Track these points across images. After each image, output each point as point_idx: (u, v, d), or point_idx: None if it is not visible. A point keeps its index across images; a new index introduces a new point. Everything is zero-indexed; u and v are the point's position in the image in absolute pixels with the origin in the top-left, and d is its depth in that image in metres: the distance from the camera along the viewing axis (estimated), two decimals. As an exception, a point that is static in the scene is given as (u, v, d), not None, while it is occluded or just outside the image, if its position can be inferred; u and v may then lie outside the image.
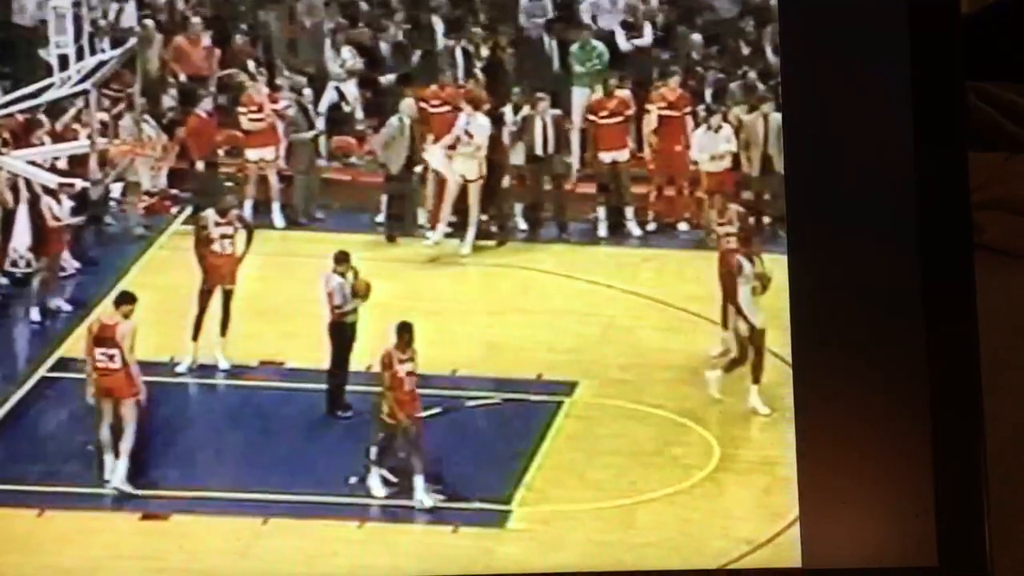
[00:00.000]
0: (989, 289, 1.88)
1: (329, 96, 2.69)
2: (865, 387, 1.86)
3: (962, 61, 1.88)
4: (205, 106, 2.63)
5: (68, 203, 2.48)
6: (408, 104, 2.61)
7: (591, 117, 2.62)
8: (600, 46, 2.64)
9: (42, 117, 2.49)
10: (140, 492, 2.21)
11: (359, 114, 2.69)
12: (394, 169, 2.62)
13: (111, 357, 2.29)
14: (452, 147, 2.59)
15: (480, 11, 2.65)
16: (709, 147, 2.55)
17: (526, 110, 2.62)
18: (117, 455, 2.25)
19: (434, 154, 2.59)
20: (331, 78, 2.70)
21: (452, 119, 2.60)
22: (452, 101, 2.61)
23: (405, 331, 2.29)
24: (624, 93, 2.61)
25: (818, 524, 1.88)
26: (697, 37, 2.66)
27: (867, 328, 1.86)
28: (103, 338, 2.31)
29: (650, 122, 2.61)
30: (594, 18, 2.61)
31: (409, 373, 2.28)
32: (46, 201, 2.46)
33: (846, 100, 1.88)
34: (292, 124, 2.65)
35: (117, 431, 2.27)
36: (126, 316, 2.33)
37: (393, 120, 2.61)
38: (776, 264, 2.21)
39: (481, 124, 2.58)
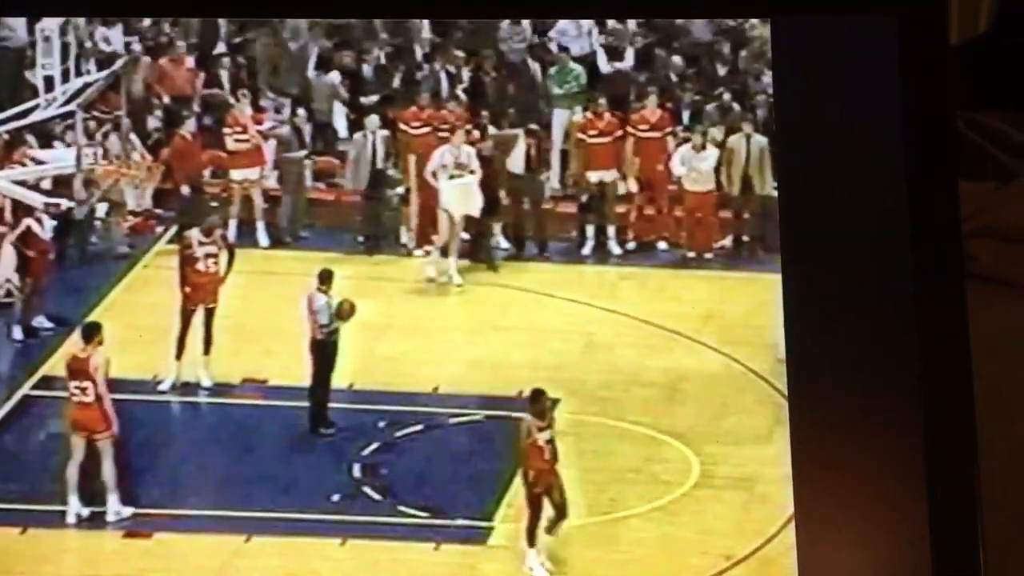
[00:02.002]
0: (982, 317, 1.89)
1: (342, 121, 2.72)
2: (859, 416, 1.87)
3: (952, 91, 1.89)
4: (189, 127, 2.65)
5: (51, 223, 2.48)
6: (373, 121, 2.63)
7: (580, 136, 2.65)
8: (578, 68, 2.67)
9: (29, 137, 2.50)
10: (126, 516, 2.21)
11: (343, 134, 2.72)
12: (361, 184, 2.65)
13: (84, 390, 2.29)
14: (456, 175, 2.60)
15: (462, 35, 2.68)
16: (695, 164, 2.58)
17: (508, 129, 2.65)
18: (85, 495, 2.23)
19: (446, 192, 2.60)
20: (339, 100, 2.73)
21: (431, 140, 2.63)
22: (431, 122, 2.64)
23: (541, 398, 2.22)
24: (612, 115, 2.63)
25: (814, 552, 1.88)
26: (677, 59, 2.69)
27: (861, 356, 1.87)
28: (76, 370, 2.31)
29: (630, 143, 2.63)
30: (559, 44, 2.65)
31: (548, 441, 2.22)
32: (28, 221, 2.47)
33: (837, 130, 1.89)
34: (283, 143, 2.67)
35: (87, 471, 2.25)
36: (98, 345, 2.31)
37: (358, 136, 2.64)
38: (761, 284, 2.22)
39: (470, 153, 2.60)
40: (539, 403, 2.23)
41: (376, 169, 2.65)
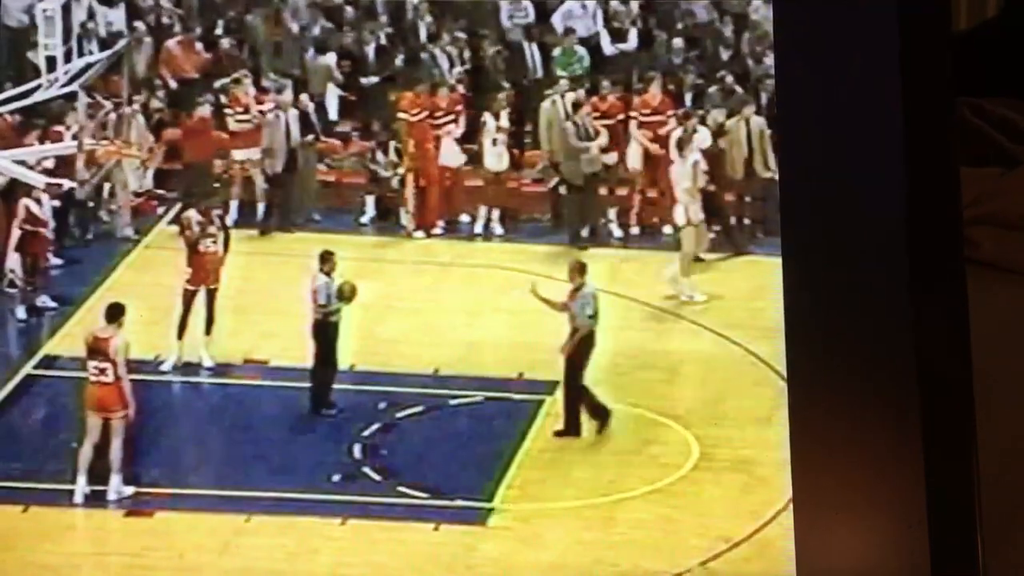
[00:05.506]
0: (983, 304, 1.89)
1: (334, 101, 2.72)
2: (858, 399, 1.87)
3: (952, 76, 1.89)
4: (204, 109, 2.65)
5: (50, 203, 2.49)
6: (286, 98, 2.62)
7: None
8: (581, 50, 2.67)
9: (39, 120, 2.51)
10: (127, 495, 2.22)
11: (333, 115, 2.72)
12: (277, 166, 2.64)
13: (103, 371, 2.29)
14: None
15: (462, 16, 2.68)
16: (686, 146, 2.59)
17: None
18: (91, 474, 2.23)
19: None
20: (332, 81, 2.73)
21: (428, 125, 2.64)
22: (428, 107, 2.64)
23: None
24: (616, 96, 2.63)
25: (812, 535, 1.89)
26: (678, 41, 2.69)
27: (860, 342, 1.87)
28: (96, 350, 2.30)
29: (633, 127, 2.64)
30: (564, 25, 2.64)
31: None
32: (26, 202, 2.47)
33: (838, 114, 1.89)
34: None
35: (100, 450, 2.25)
36: (119, 327, 2.31)
37: (270, 115, 2.65)
38: (761, 267, 2.23)
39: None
40: None
41: (292, 148, 2.65)
